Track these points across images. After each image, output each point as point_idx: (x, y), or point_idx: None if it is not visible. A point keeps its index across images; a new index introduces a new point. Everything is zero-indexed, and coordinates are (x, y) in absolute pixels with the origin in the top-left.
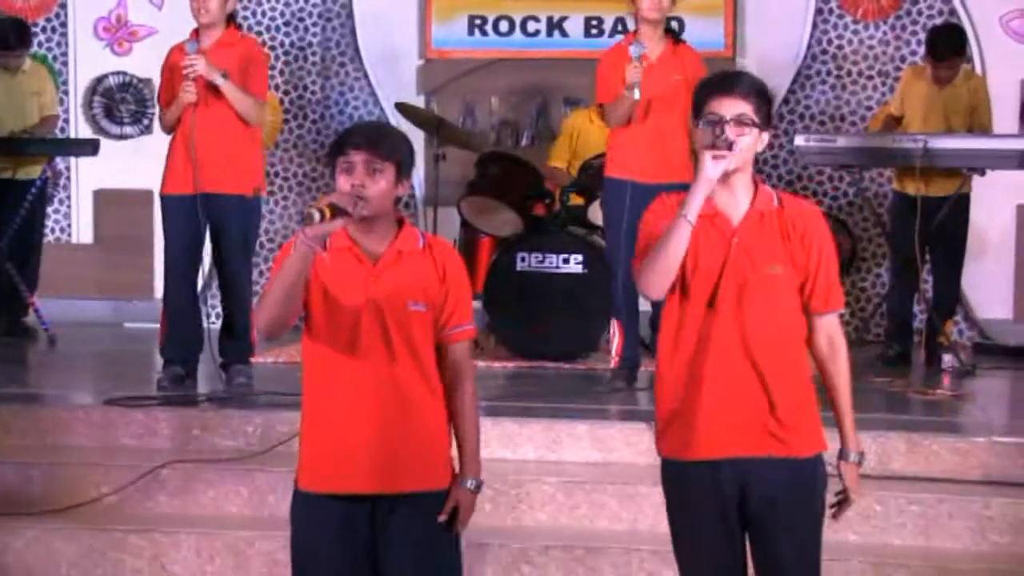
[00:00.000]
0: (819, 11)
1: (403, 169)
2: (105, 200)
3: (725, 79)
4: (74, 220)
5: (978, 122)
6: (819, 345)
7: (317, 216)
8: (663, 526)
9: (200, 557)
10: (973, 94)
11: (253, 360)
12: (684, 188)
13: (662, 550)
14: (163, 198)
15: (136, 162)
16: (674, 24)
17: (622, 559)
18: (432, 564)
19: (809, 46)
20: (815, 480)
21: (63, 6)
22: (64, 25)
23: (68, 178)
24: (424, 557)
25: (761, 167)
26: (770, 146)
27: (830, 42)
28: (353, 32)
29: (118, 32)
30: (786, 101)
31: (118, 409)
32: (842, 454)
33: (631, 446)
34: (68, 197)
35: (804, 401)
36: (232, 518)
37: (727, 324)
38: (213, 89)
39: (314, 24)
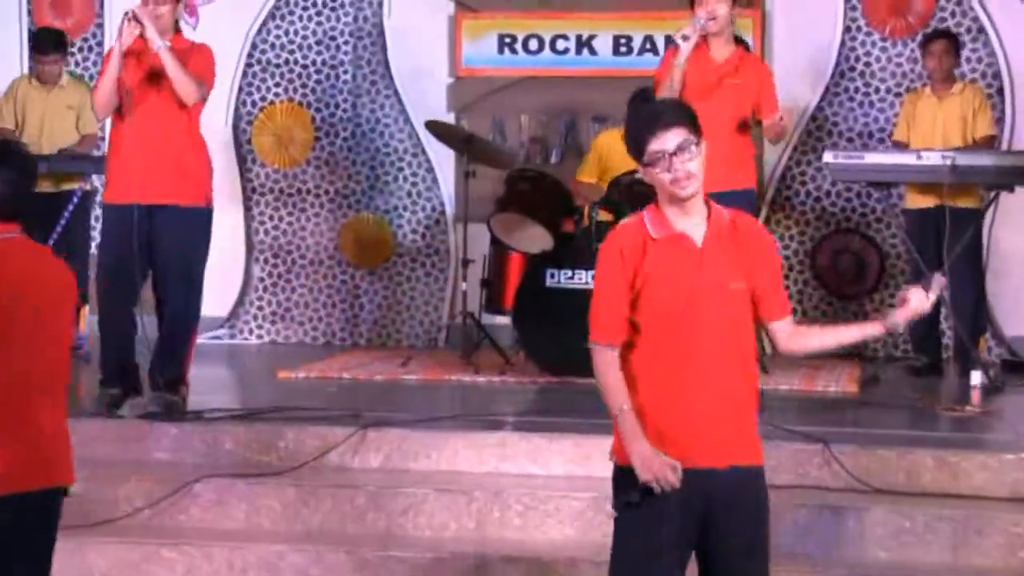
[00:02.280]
0: (847, 28)
1: None
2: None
3: (651, 119)
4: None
5: (978, 130)
6: (788, 340)
7: None
8: None
9: (232, 570)
10: (970, 102)
11: (287, 375)
12: (748, 194)
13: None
14: (103, 206)
15: None
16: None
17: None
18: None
19: (837, 63)
20: (764, 488)
21: (99, 26)
22: (101, 44)
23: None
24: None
25: (790, 183)
26: (798, 162)
27: (858, 59)
28: (384, 50)
29: None
30: (814, 118)
31: (152, 423)
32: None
33: None
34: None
35: (753, 412)
36: (264, 532)
37: (698, 339)
38: (155, 84)
39: (345, 43)
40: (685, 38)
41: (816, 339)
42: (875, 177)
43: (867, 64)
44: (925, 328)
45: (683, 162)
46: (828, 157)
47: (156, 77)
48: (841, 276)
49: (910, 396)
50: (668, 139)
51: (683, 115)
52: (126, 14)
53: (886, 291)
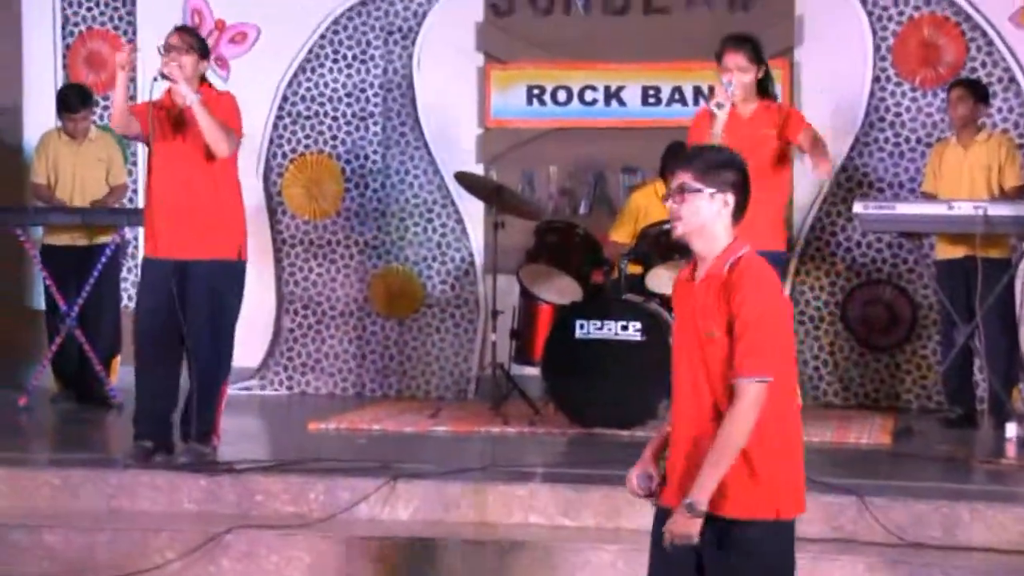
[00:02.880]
0: (876, 79)
1: None
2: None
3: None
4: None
5: (1006, 180)
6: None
7: None
8: None
9: None
10: (995, 151)
11: (317, 427)
12: (776, 256)
13: None
14: (143, 260)
15: None
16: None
17: None
18: None
19: (867, 113)
20: (741, 544)
21: (132, 80)
22: (133, 98)
23: (136, 247)
24: None
25: (820, 234)
26: (828, 213)
27: (888, 109)
28: (413, 102)
29: None
30: (844, 169)
31: (182, 474)
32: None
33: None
34: (136, 266)
35: (738, 464)
36: None
37: (680, 383)
38: (187, 137)
39: (375, 94)
40: (720, 106)
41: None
42: (906, 227)
43: (897, 115)
44: (958, 379)
45: (673, 203)
46: (859, 208)
47: (188, 131)
48: (872, 327)
49: (944, 448)
50: (672, 183)
51: (687, 161)
52: (155, 78)
53: (918, 342)
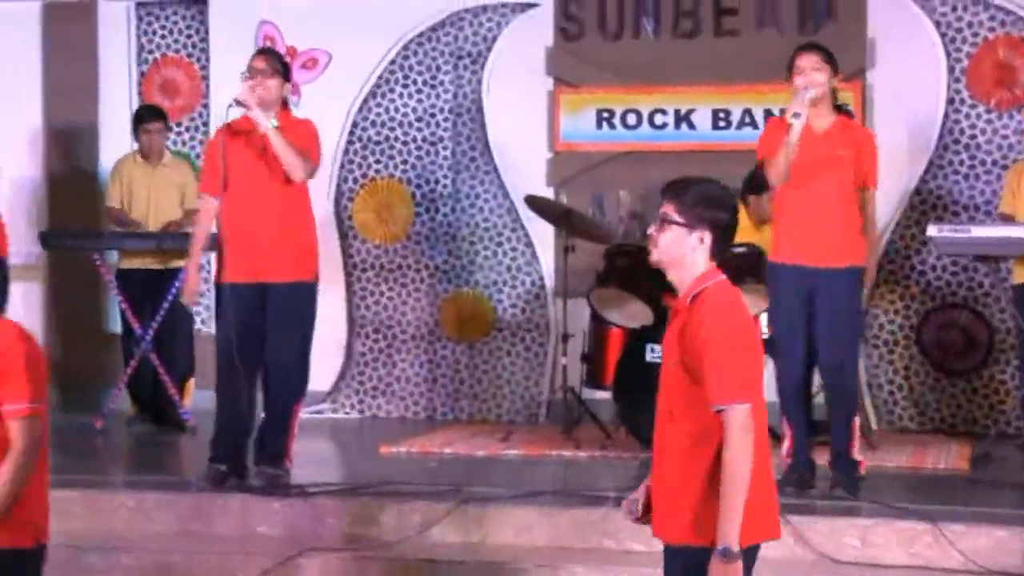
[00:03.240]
0: (951, 101)
1: None
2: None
3: (664, 185)
4: (214, 312)
5: None
6: None
7: None
8: None
9: None
10: None
11: (390, 451)
12: (857, 272)
13: None
14: (217, 285)
15: None
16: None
17: None
18: None
19: (941, 136)
20: (694, 571)
21: (205, 106)
22: (207, 124)
23: (210, 271)
24: None
25: (893, 258)
26: (902, 236)
27: (962, 131)
28: (483, 126)
29: None
30: (917, 191)
31: (256, 497)
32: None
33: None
34: (209, 290)
35: (696, 492)
36: None
37: (660, 413)
38: (264, 162)
39: (445, 119)
40: (796, 115)
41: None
42: (982, 251)
43: (972, 136)
44: None
45: (653, 231)
46: (933, 231)
47: (265, 155)
48: (948, 351)
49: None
50: (663, 207)
51: (675, 193)
52: (230, 104)
53: (995, 367)
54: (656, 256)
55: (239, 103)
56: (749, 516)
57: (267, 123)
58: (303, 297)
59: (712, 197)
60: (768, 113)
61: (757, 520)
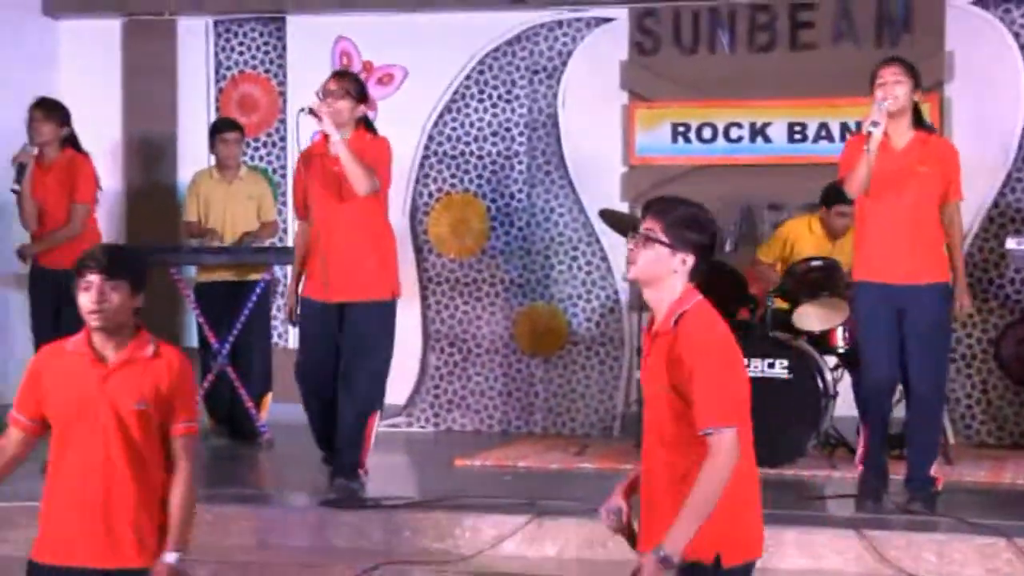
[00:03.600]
0: None
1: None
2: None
3: (647, 203)
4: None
5: None
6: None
7: None
8: None
9: None
10: None
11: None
12: (941, 289)
13: None
14: (301, 299)
15: None
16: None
17: None
18: None
19: (1020, 149)
20: None
21: (282, 121)
22: (283, 139)
23: (285, 285)
24: None
25: (972, 270)
26: (980, 249)
27: None
28: (558, 141)
29: None
30: (996, 204)
31: (332, 511)
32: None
33: (840, 554)
34: (285, 304)
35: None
36: None
37: (649, 432)
38: (343, 181)
39: (520, 133)
40: (875, 124)
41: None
42: None
43: None
44: None
45: (632, 246)
46: (1011, 244)
47: (339, 175)
48: None
49: None
50: (641, 225)
51: (660, 210)
52: (301, 109)
53: None
54: (634, 273)
55: (310, 112)
56: (739, 534)
57: (336, 135)
58: (381, 316)
59: (698, 219)
60: (844, 127)
61: (745, 538)
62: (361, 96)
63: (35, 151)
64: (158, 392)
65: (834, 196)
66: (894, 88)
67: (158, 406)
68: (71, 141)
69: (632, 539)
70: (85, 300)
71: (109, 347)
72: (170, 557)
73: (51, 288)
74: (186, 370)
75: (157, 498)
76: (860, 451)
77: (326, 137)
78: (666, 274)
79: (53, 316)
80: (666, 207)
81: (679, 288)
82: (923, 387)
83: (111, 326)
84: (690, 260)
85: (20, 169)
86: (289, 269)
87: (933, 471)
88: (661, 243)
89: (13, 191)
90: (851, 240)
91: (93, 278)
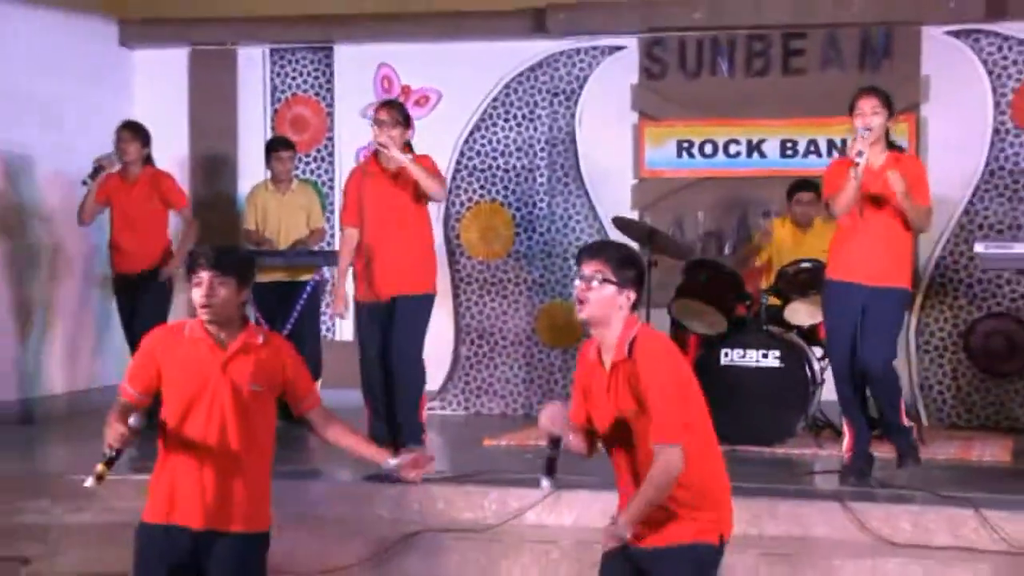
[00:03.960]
0: (996, 131)
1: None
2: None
3: (589, 248)
4: (337, 320)
5: None
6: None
7: (96, 482)
8: None
9: None
10: None
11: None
12: (901, 293)
13: None
14: (356, 303)
15: None
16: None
17: None
18: None
19: (987, 163)
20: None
21: (330, 139)
22: (331, 154)
23: (333, 284)
24: None
25: (943, 271)
26: (951, 252)
27: (1007, 159)
28: (576, 156)
29: None
30: (966, 212)
31: (375, 484)
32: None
33: (826, 523)
34: (332, 300)
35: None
36: None
37: (615, 451)
38: (396, 193)
39: (541, 149)
40: (860, 154)
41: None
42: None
43: (1015, 163)
44: None
45: (582, 287)
46: (979, 247)
47: (393, 188)
48: (993, 356)
49: None
50: (585, 269)
51: (602, 253)
52: (369, 144)
53: None
54: (587, 313)
55: (381, 145)
56: (727, 517)
57: (404, 158)
58: (425, 308)
59: (635, 258)
60: (831, 143)
61: (729, 519)
62: (407, 122)
63: (118, 165)
64: (272, 375)
65: (793, 189)
66: (871, 118)
67: (272, 387)
68: (149, 161)
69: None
70: (196, 294)
71: (223, 335)
72: (391, 460)
73: (126, 288)
74: (294, 354)
75: (264, 469)
76: (847, 441)
77: (375, 155)
78: (614, 311)
79: (130, 314)
80: (609, 251)
81: (622, 322)
82: (872, 365)
83: (220, 319)
84: (632, 296)
85: (97, 170)
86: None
87: (905, 423)
88: (610, 282)
89: (83, 183)
90: (821, 231)
91: (204, 275)
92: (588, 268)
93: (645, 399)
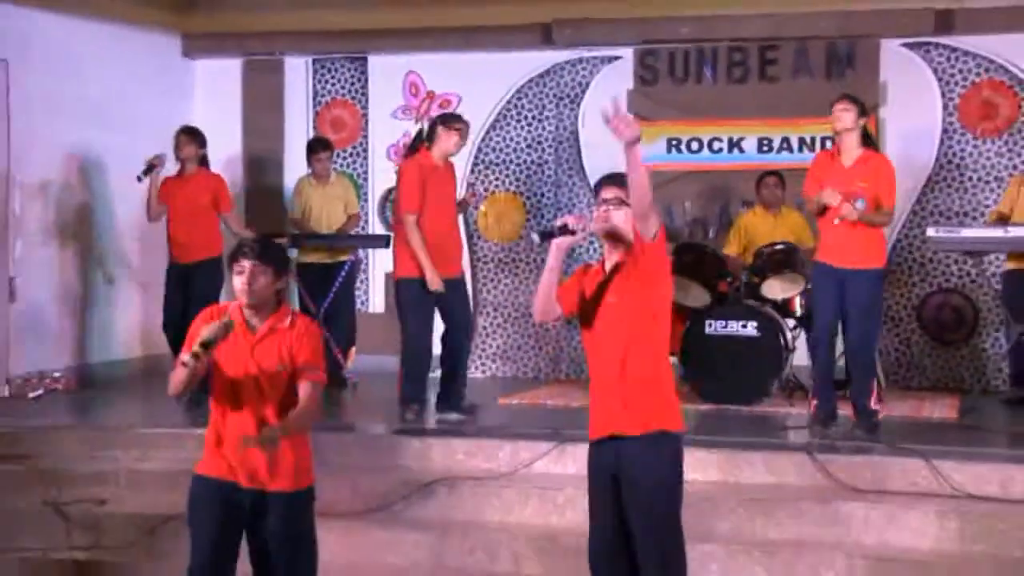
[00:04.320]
0: (945, 130)
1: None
2: (393, 280)
3: (609, 177)
4: (370, 295)
5: None
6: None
7: (192, 361)
8: (827, 536)
9: (462, 551)
10: None
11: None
12: (875, 272)
13: (826, 554)
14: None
15: None
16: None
17: (792, 559)
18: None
19: (937, 158)
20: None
21: (365, 136)
22: (365, 151)
23: (367, 264)
24: None
25: (900, 252)
26: (907, 236)
27: (954, 154)
28: (579, 152)
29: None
30: (919, 201)
31: (402, 437)
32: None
33: (797, 473)
34: (367, 278)
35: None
36: (488, 523)
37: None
38: (452, 192)
39: (549, 146)
40: (832, 197)
41: None
42: (969, 247)
43: (961, 158)
44: (1018, 367)
45: (609, 208)
46: (931, 232)
47: (452, 184)
48: (943, 327)
49: (1003, 422)
50: (608, 194)
51: (617, 180)
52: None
53: (979, 339)
54: (613, 226)
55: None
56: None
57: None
58: (465, 286)
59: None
60: (802, 140)
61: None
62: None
63: (164, 163)
64: (292, 354)
65: (760, 177)
66: (842, 115)
67: (293, 365)
68: (204, 161)
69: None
70: (238, 281)
71: (256, 319)
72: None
73: (177, 276)
74: (310, 329)
75: (303, 437)
76: (812, 398)
77: (428, 151)
78: (629, 227)
79: (183, 301)
80: (622, 179)
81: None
82: (857, 342)
83: (258, 302)
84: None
85: (148, 168)
86: (371, 251)
87: (873, 406)
88: (626, 204)
89: (138, 179)
90: (790, 215)
91: (246, 263)
92: (609, 193)
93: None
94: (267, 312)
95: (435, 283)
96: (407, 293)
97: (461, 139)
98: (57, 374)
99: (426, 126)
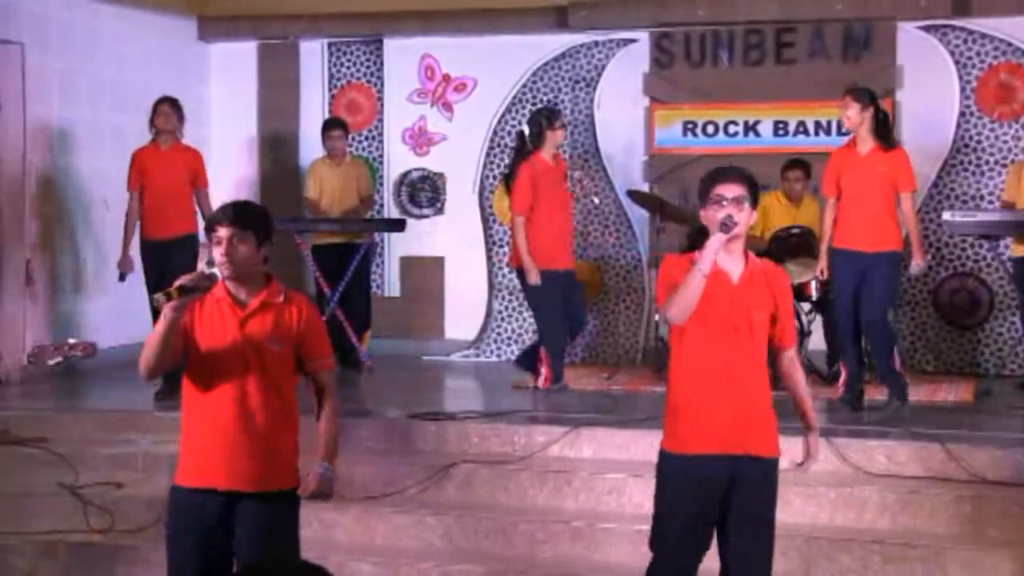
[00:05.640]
0: (962, 114)
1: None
2: (408, 264)
3: (724, 170)
4: (386, 278)
5: None
6: (782, 366)
7: (162, 299)
8: (843, 520)
9: (477, 534)
10: None
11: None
12: (893, 255)
13: (835, 538)
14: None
15: (432, 236)
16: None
17: (806, 544)
18: None
19: (954, 141)
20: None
21: (380, 120)
22: (381, 134)
23: (382, 247)
24: None
25: None
26: (922, 220)
27: (971, 138)
28: (594, 135)
29: (419, 139)
30: (935, 184)
31: (418, 422)
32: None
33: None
34: (382, 262)
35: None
36: (502, 506)
37: (728, 350)
38: (563, 192)
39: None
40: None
41: (797, 387)
42: (985, 231)
43: (978, 142)
44: None
45: (735, 208)
46: (947, 216)
47: (563, 184)
48: (958, 311)
49: (1018, 406)
50: (733, 192)
51: (743, 178)
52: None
53: (995, 322)
54: (738, 230)
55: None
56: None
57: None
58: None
59: (755, 180)
60: (818, 124)
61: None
62: None
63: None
64: (289, 333)
65: (785, 167)
66: (845, 115)
67: (290, 345)
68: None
69: None
70: (216, 252)
71: (244, 293)
72: (321, 467)
73: (156, 252)
74: (313, 313)
75: (288, 428)
76: (843, 378)
77: (539, 152)
78: (746, 228)
79: (158, 278)
80: (746, 174)
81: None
82: (873, 315)
83: (240, 273)
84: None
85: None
86: (387, 235)
87: (898, 368)
88: (752, 205)
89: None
90: (811, 206)
91: (223, 232)
92: (734, 191)
93: (778, 308)
94: (256, 286)
95: (533, 276)
96: (529, 284)
97: (565, 133)
98: (74, 340)
99: (527, 127)
